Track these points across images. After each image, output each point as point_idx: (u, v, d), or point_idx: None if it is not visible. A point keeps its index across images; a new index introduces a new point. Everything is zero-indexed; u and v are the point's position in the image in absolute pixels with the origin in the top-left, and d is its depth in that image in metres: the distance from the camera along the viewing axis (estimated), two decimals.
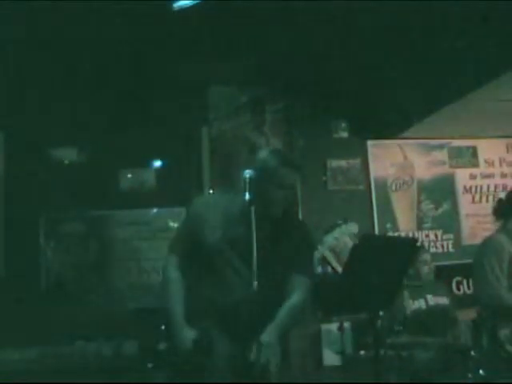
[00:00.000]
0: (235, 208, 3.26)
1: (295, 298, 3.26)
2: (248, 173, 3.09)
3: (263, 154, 3.36)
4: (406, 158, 7.00)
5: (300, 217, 6.43)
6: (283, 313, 3.20)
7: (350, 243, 6.19)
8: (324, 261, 6.18)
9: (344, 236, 3.97)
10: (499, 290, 4.14)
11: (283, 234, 3.25)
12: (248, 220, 3.03)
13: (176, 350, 3.17)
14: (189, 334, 3.12)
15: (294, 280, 3.28)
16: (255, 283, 2.91)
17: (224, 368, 3.10)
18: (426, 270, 5.73)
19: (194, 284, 3.32)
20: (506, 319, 3.93)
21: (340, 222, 4.06)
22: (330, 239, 4.03)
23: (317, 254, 4.23)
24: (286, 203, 3.24)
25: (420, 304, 5.52)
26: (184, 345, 3.11)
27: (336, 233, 3.95)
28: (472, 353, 3.96)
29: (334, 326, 5.67)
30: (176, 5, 4.80)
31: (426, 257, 5.80)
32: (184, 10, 4.83)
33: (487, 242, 4.50)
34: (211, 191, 3.41)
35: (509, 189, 4.79)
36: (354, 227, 4.05)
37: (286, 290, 3.26)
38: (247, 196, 3.02)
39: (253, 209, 2.99)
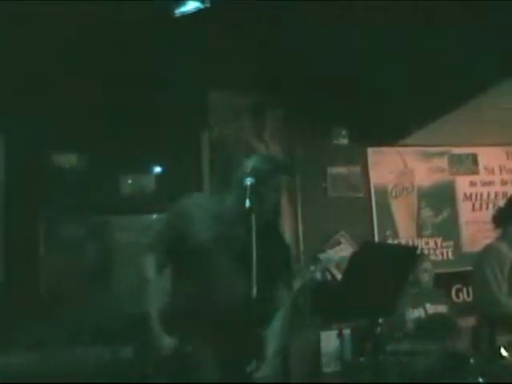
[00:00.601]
0: (223, 211, 3.21)
1: (279, 319, 3.21)
2: (249, 180, 3.03)
3: (254, 159, 3.25)
4: (406, 165, 7.01)
5: (300, 223, 6.45)
6: (272, 343, 3.12)
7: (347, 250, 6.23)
8: (324, 268, 6.19)
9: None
10: (500, 297, 4.13)
11: (267, 240, 3.13)
12: (236, 223, 3.06)
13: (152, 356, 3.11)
14: (166, 342, 3.04)
15: (276, 294, 3.22)
16: (243, 287, 2.91)
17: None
18: (426, 277, 5.72)
19: (175, 286, 3.23)
20: (505, 327, 3.92)
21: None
22: (325, 257, 4.02)
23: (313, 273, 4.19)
24: (272, 208, 3.18)
25: (419, 311, 5.51)
26: (160, 352, 3.04)
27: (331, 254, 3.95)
28: (471, 360, 3.95)
29: (333, 333, 5.66)
30: (178, 10, 4.81)
31: (427, 264, 5.80)
32: (186, 16, 4.84)
33: (487, 250, 4.49)
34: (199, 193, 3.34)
35: (508, 196, 4.75)
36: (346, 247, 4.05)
37: (270, 301, 3.20)
38: (247, 202, 2.96)
39: (248, 213, 2.94)
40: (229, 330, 3.04)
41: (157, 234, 3.37)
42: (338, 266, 6.23)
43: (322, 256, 4.06)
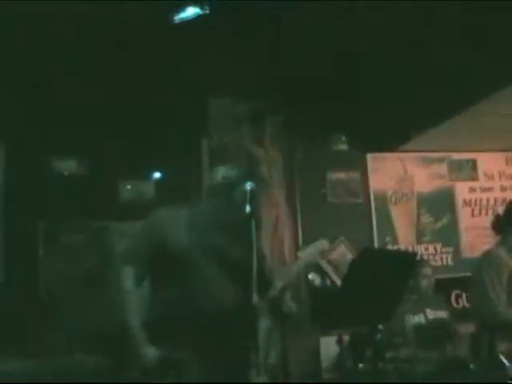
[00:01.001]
0: (198, 218, 3.20)
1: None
2: (249, 185, 3.01)
3: (225, 168, 3.28)
4: (405, 171, 7.01)
5: (299, 229, 6.45)
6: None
7: (346, 254, 6.23)
8: (323, 274, 6.19)
9: (318, 251, 3.95)
10: (498, 306, 4.09)
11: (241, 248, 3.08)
12: (211, 231, 3.08)
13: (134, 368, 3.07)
14: (149, 353, 3.01)
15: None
16: (222, 294, 2.97)
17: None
18: (426, 283, 5.71)
19: (156, 296, 3.20)
20: (505, 334, 3.90)
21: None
22: (304, 254, 3.98)
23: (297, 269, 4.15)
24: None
25: (419, 317, 5.50)
26: (144, 364, 3.01)
27: (309, 248, 3.91)
28: (471, 366, 3.95)
29: (332, 339, 5.65)
30: (177, 17, 4.82)
31: (427, 270, 5.79)
32: (185, 23, 4.85)
33: (486, 256, 4.45)
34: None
35: (508, 202, 4.71)
36: (325, 244, 4.01)
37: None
38: (248, 207, 2.93)
39: (248, 218, 2.90)
40: (211, 338, 3.03)
41: (133, 245, 3.33)
42: (337, 272, 6.23)
43: (300, 253, 4.04)
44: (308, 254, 3.90)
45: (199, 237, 3.13)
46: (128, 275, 3.18)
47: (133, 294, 3.16)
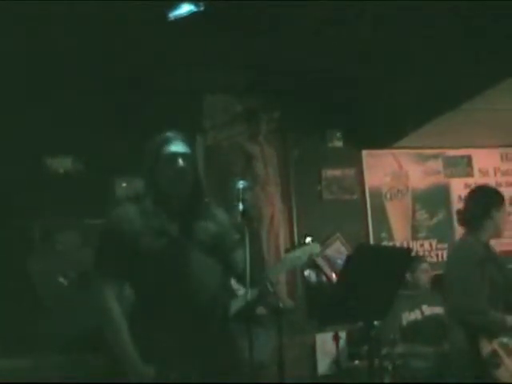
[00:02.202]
0: (159, 211, 3.05)
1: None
2: (242, 183, 3.02)
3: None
4: (400, 167, 7.01)
5: (295, 226, 6.45)
6: None
7: (342, 250, 6.23)
8: (318, 269, 6.18)
9: (308, 255, 3.89)
10: (483, 303, 3.87)
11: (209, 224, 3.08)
12: (177, 221, 3.00)
13: None
14: (148, 372, 2.86)
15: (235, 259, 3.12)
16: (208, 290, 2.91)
17: None
18: (423, 279, 5.71)
19: (136, 306, 3.04)
20: (487, 335, 3.77)
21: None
22: (291, 256, 3.90)
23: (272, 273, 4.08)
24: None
25: (416, 314, 5.51)
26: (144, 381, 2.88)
27: (299, 252, 3.85)
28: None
29: (328, 336, 5.66)
30: (172, 15, 4.81)
31: (425, 266, 5.78)
32: (180, 20, 4.84)
33: (461, 249, 4.19)
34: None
35: (472, 190, 4.50)
36: (316, 247, 3.95)
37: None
38: (240, 205, 2.93)
39: (242, 216, 2.91)
40: (199, 329, 2.95)
41: (100, 258, 3.12)
42: (333, 268, 6.23)
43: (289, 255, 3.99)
44: (296, 257, 3.83)
45: (164, 233, 3.00)
46: (105, 290, 2.99)
47: (117, 309, 2.97)
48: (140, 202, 3.12)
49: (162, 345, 2.88)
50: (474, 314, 3.73)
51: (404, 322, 5.40)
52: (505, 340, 3.73)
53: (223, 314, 3.09)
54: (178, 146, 3.12)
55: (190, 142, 3.22)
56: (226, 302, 3.04)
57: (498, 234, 4.15)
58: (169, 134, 3.20)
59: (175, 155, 3.06)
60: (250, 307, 3.06)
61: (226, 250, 3.10)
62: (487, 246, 4.04)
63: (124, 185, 6.45)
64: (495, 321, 3.74)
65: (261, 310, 3.75)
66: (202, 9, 4.74)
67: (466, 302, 3.75)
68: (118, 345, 2.95)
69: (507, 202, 6.89)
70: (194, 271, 2.93)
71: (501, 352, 3.68)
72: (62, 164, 6.34)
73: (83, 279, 6.14)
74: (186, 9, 4.77)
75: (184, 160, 3.05)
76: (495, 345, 3.68)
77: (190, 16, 4.81)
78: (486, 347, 3.67)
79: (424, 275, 5.72)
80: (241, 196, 2.98)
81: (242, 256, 2.87)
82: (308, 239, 3.82)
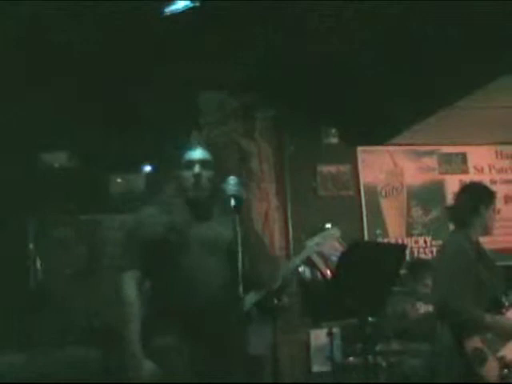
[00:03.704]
0: (182, 213, 3.26)
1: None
2: (233, 178, 3.07)
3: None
4: (395, 164, 7.01)
5: (289, 222, 6.45)
6: None
7: (337, 246, 6.21)
8: (313, 266, 6.18)
9: (328, 239, 3.95)
10: (465, 301, 3.83)
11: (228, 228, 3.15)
12: (195, 224, 3.18)
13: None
14: (147, 366, 3.04)
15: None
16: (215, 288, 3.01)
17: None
18: (424, 291, 5.67)
19: (155, 296, 3.23)
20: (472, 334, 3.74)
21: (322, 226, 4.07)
22: (311, 244, 4.00)
23: (297, 261, 4.20)
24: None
25: (410, 310, 5.51)
26: (143, 376, 3.04)
27: (318, 238, 3.92)
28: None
29: (323, 332, 5.66)
30: (167, 10, 4.80)
31: (429, 283, 5.69)
32: (174, 16, 4.83)
33: (448, 245, 4.14)
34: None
35: (462, 188, 4.48)
36: (336, 231, 4.02)
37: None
38: (232, 201, 2.98)
39: (234, 212, 2.98)
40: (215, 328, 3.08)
41: (125, 252, 3.36)
42: (327, 265, 6.23)
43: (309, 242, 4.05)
44: (316, 243, 3.90)
45: (178, 228, 3.20)
46: (128, 283, 3.20)
47: (134, 303, 3.17)
48: (165, 204, 3.35)
49: (171, 342, 3.06)
50: (456, 312, 3.72)
51: (397, 319, 5.40)
52: (489, 336, 3.73)
53: (236, 314, 3.14)
54: (198, 153, 3.34)
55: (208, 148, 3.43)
56: (238, 302, 3.10)
57: (486, 232, 4.14)
58: (191, 140, 3.47)
59: (195, 161, 3.29)
60: (274, 297, 3.18)
61: (240, 252, 3.13)
62: (476, 243, 4.04)
63: (119, 180, 6.45)
64: (475, 319, 3.73)
65: (284, 300, 3.83)
66: (197, 4, 4.73)
67: (450, 299, 3.74)
68: (126, 333, 3.12)
69: (503, 200, 6.99)
70: (208, 272, 3.07)
71: (485, 348, 3.68)
72: (57, 159, 6.33)
73: (80, 274, 6.15)
74: (181, 4, 4.76)
75: (203, 166, 3.28)
76: (479, 342, 3.69)
77: (186, 12, 4.80)
78: (471, 344, 3.67)
79: (425, 289, 5.67)
80: (232, 191, 3.03)
81: (254, 258, 3.10)
82: (328, 225, 3.91)
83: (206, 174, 3.27)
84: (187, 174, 3.27)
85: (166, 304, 3.15)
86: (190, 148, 3.36)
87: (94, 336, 5.64)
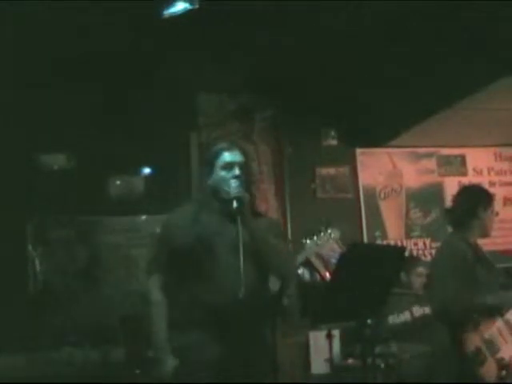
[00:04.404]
0: (212, 217, 3.28)
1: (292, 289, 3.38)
2: (234, 182, 3.19)
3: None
4: (394, 166, 7.01)
5: (288, 224, 6.44)
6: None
7: (336, 248, 6.21)
8: (311, 267, 6.18)
9: (327, 242, 3.97)
10: (465, 305, 3.81)
11: (258, 234, 3.22)
12: (229, 227, 3.15)
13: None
14: (173, 363, 3.13)
15: (281, 275, 3.37)
16: (243, 290, 2.96)
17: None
18: (418, 282, 5.70)
19: (181, 298, 3.27)
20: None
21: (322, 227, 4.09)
22: (311, 245, 4.02)
23: (299, 259, 4.22)
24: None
25: (409, 312, 5.51)
26: (168, 374, 3.14)
27: (318, 239, 3.94)
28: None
29: (322, 334, 5.65)
30: (166, 12, 4.80)
31: (421, 270, 5.76)
32: (173, 18, 4.84)
33: (446, 247, 4.18)
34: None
35: (460, 190, 4.48)
36: (336, 233, 4.04)
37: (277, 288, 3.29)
38: (234, 203, 3.09)
39: (235, 213, 3.07)
40: (238, 334, 3.12)
41: (153, 255, 3.45)
42: (326, 267, 6.23)
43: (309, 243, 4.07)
44: (315, 244, 3.92)
45: (214, 234, 3.22)
46: (155, 286, 3.30)
47: (160, 306, 3.26)
48: (198, 206, 3.37)
49: (194, 344, 3.14)
50: (454, 313, 3.71)
51: (396, 321, 5.40)
52: (488, 336, 3.73)
53: (260, 318, 3.25)
54: (233, 155, 3.32)
55: (244, 151, 3.44)
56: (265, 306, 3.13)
57: (485, 234, 4.15)
58: (225, 143, 3.43)
59: (231, 164, 3.28)
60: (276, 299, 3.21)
61: (269, 256, 3.24)
62: (474, 246, 4.04)
63: (118, 183, 6.45)
64: (476, 307, 3.74)
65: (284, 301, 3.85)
66: (196, 7, 4.73)
67: (448, 301, 3.74)
68: (154, 331, 3.25)
69: (501, 202, 7.00)
70: (237, 275, 3.02)
71: (484, 348, 3.69)
72: (56, 161, 6.34)
73: (80, 275, 6.15)
74: (180, 7, 4.76)
75: (239, 168, 3.27)
76: (479, 342, 3.69)
77: (185, 14, 4.80)
78: (470, 345, 3.67)
79: (419, 278, 5.71)
80: (235, 193, 3.13)
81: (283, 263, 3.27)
82: (325, 229, 3.93)
83: (243, 176, 3.27)
84: (226, 175, 3.25)
85: (188, 307, 3.22)
86: (228, 150, 3.33)
87: (95, 337, 5.64)
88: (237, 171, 3.25)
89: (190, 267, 3.20)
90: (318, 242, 3.92)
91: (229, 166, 3.27)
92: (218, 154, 3.31)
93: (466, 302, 3.73)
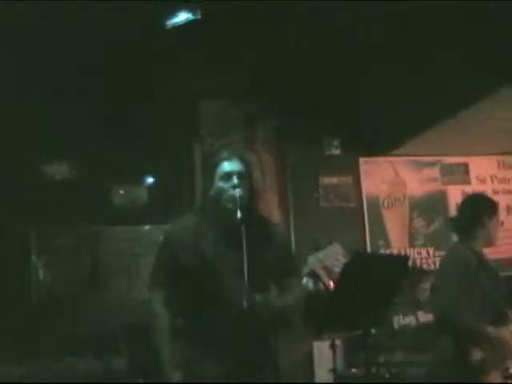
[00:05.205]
0: (213, 228, 3.23)
1: (295, 292, 3.32)
2: (237, 191, 3.12)
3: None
4: (397, 175, 7.01)
5: (292, 234, 6.43)
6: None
7: (339, 258, 6.21)
8: (316, 277, 6.18)
9: (329, 256, 3.97)
10: (468, 313, 3.79)
11: (264, 243, 3.21)
12: (230, 237, 3.10)
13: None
14: (175, 376, 3.08)
15: (287, 285, 3.28)
16: (248, 302, 2.94)
17: None
18: (424, 294, 5.67)
19: (184, 312, 3.25)
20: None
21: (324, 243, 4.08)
22: (314, 260, 4.02)
23: (304, 270, 4.22)
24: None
25: (412, 321, 5.50)
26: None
27: (320, 254, 3.94)
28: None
29: (325, 344, 5.64)
30: (169, 22, 4.82)
31: (426, 285, 5.71)
32: (177, 27, 4.85)
33: (451, 256, 4.12)
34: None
35: (467, 198, 4.48)
36: (338, 248, 4.03)
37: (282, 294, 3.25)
38: (238, 213, 3.04)
39: (240, 223, 3.02)
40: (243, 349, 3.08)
41: (154, 269, 3.37)
42: (330, 276, 6.22)
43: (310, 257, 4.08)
44: (318, 259, 3.92)
45: (216, 245, 3.18)
46: (157, 300, 3.24)
47: (162, 320, 3.20)
48: (199, 216, 3.31)
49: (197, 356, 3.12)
50: (457, 323, 3.70)
51: (400, 330, 5.39)
52: (492, 347, 3.71)
53: (265, 329, 3.20)
54: (232, 165, 3.25)
55: (246, 159, 3.34)
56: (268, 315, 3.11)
57: (490, 243, 4.12)
58: (225, 152, 3.36)
59: (229, 173, 3.21)
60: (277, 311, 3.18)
61: (273, 267, 3.23)
62: (479, 255, 4.02)
63: (122, 192, 6.46)
64: (476, 331, 3.71)
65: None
66: (198, 17, 4.75)
67: (451, 310, 3.73)
68: (156, 345, 3.18)
69: (505, 210, 6.98)
70: (239, 286, 2.98)
71: (488, 359, 3.67)
72: (60, 171, 6.35)
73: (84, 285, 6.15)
74: (183, 17, 4.78)
75: (238, 178, 3.19)
76: (482, 352, 3.67)
77: (188, 24, 4.82)
78: (476, 354, 3.65)
79: (425, 291, 5.67)
80: (238, 203, 3.08)
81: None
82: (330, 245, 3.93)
83: (243, 185, 3.19)
84: (224, 185, 3.19)
85: (190, 319, 3.21)
86: (226, 159, 3.27)
87: (97, 346, 5.64)
88: (235, 180, 3.17)
89: (192, 280, 3.16)
90: (321, 256, 3.92)
91: (227, 176, 3.20)
92: (217, 164, 3.26)
93: (469, 312, 3.72)
